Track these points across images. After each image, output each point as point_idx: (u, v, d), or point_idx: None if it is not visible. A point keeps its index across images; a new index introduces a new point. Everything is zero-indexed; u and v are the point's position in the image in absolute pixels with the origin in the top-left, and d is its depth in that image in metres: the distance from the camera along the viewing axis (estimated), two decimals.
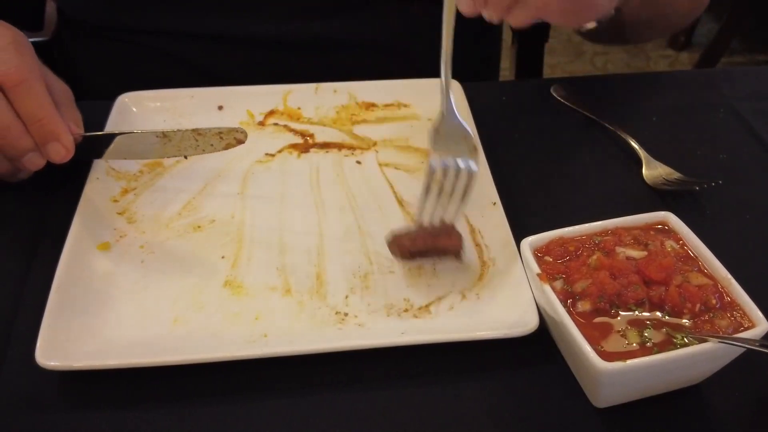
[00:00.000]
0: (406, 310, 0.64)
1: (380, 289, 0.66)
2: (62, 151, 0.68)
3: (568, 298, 0.57)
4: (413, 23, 0.95)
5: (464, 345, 0.60)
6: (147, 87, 0.87)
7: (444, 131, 0.65)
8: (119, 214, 0.73)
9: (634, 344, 0.54)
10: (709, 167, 0.82)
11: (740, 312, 0.55)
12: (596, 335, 0.54)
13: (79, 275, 0.64)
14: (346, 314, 0.63)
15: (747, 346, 0.52)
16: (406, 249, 0.66)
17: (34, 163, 0.69)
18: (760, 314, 0.54)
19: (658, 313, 0.56)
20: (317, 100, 0.88)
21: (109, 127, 0.80)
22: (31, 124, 0.66)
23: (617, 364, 0.51)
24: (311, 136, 0.85)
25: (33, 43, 0.71)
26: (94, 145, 0.71)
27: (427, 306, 0.64)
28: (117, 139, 0.71)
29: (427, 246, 0.65)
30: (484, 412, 0.57)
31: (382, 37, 0.98)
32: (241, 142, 0.71)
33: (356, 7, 0.94)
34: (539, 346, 0.61)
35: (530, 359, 0.61)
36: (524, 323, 0.60)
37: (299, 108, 0.88)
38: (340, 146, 0.83)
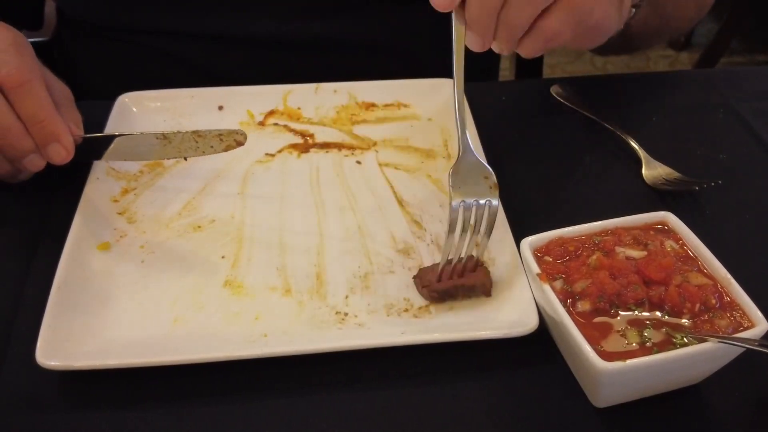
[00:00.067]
0: (406, 310, 0.64)
1: (380, 289, 0.66)
2: (63, 153, 0.68)
3: (567, 298, 0.57)
4: (413, 23, 0.95)
5: (464, 345, 0.60)
6: (147, 87, 0.87)
7: (462, 171, 0.64)
8: (119, 214, 0.73)
9: (634, 344, 0.54)
10: (708, 167, 0.82)
11: (740, 312, 0.55)
12: (596, 335, 0.54)
13: (79, 275, 0.64)
14: (346, 314, 0.63)
15: (747, 345, 0.52)
16: (433, 290, 0.64)
17: (35, 164, 0.69)
18: (759, 314, 0.54)
19: (658, 313, 0.56)
20: (317, 100, 0.88)
21: (109, 127, 0.80)
22: (31, 126, 0.66)
23: (617, 364, 0.51)
24: (311, 136, 0.85)
25: (33, 43, 0.71)
26: (94, 147, 0.71)
27: (426, 306, 0.64)
28: (117, 141, 0.71)
29: (455, 285, 0.64)
30: (484, 412, 0.57)
31: (382, 37, 0.98)
32: (240, 144, 0.71)
33: (356, 7, 0.94)
34: (539, 346, 0.61)
35: (530, 359, 0.61)
36: (524, 323, 0.60)
37: (299, 108, 0.88)
38: (340, 146, 0.83)
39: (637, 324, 0.55)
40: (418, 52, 0.97)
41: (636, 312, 0.56)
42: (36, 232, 0.71)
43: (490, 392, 0.58)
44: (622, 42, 0.84)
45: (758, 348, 0.51)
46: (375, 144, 0.84)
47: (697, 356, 0.53)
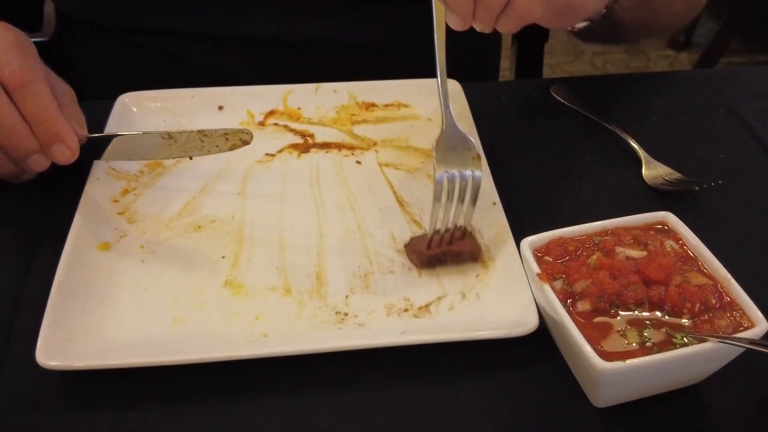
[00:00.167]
0: (406, 310, 0.64)
1: (380, 289, 0.66)
2: (67, 153, 0.68)
3: (567, 298, 0.57)
4: (413, 23, 0.94)
5: (464, 345, 0.60)
6: (147, 87, 0.87)
7: (446, 144, 0.66)
8: (119, 214, 0.73)
9: (634, 344, 0.54)
10: (708, 167, 0.82)
11: (740, 312, 0.55)
12: (596, 335, 0.54)
13: (79, 275, 0.64)
14: (346, 314, 0.63)
15: (747, 345, 0.52)
16: (423, 255, 0.67)
17: (39, 164, 0.69)
18: (759, 314, 0.54)
19: (658, 313, 0.56)
20: (317, 100, 0.88)
21: (110, 127, 0.80)
22: (35, 126, 0.66)
23: (617, 364, 0.51)
24: (311, 136, 0.85)
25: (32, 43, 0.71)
26: (98, 146, 0.71)
27: (427, 306, 0.64)
28: (121, 140, 0.71)
29: (443, 251, 0.66)
30: (484, 412, 0.57)
31: (382, 37, 0.98)
32: (246, 143, 0.71)
33: (356, 7, 0.94)
34: (539, 346, 0.61)
35: (530, 359, 0.61)
36: (524, 323, 0.60)
37: (299, 108, 0.88)
38: (340, 146, 0.83)
39: (637, 324, 0.55)
40: (418, 52, 0.97)
41: (636, 312, 0.56)
42: (36, 232, 0.71)
43: (490, 392, 0.58)
44: (608, 31, 0.85)
45: (758, 348, 0.51)
46: (375, 144, 0.84)
47: (697, 356, 0.53)
